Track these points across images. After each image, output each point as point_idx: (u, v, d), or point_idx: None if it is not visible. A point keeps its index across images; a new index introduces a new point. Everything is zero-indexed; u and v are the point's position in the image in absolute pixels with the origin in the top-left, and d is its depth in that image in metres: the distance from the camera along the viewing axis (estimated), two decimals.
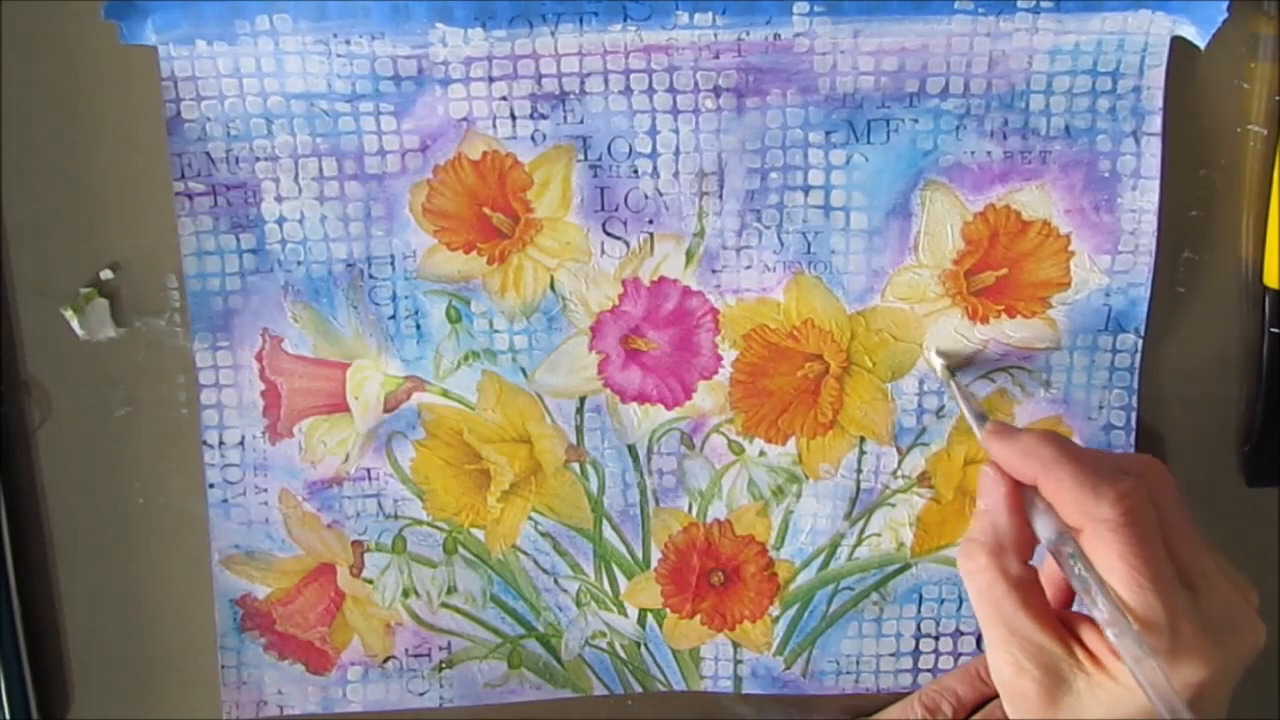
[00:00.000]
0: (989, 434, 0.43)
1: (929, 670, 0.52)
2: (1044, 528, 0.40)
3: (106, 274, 0.49)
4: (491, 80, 0.47)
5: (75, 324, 0.49)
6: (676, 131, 0.47)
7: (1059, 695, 0.39)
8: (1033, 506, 0.41)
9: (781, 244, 0.48)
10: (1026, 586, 0.40)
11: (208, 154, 0.47)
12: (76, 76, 0.47)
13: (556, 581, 0.52)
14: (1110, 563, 0.38)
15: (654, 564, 0.52)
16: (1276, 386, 0.50)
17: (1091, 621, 0.39)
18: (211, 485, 0.51)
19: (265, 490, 0.51)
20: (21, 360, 0.50)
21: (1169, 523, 0.39)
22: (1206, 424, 0.51)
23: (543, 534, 0.52)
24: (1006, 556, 0.40)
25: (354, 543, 0.52)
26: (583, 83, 0.47)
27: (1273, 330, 0.49)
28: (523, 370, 0.50)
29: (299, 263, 0.49)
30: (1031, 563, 0.41)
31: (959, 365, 0.49)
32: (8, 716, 0.51)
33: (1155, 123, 0.47)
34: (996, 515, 0.41)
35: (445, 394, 0.50)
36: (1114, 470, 0.39)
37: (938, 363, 0.49)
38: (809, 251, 0.49)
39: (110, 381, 0.50)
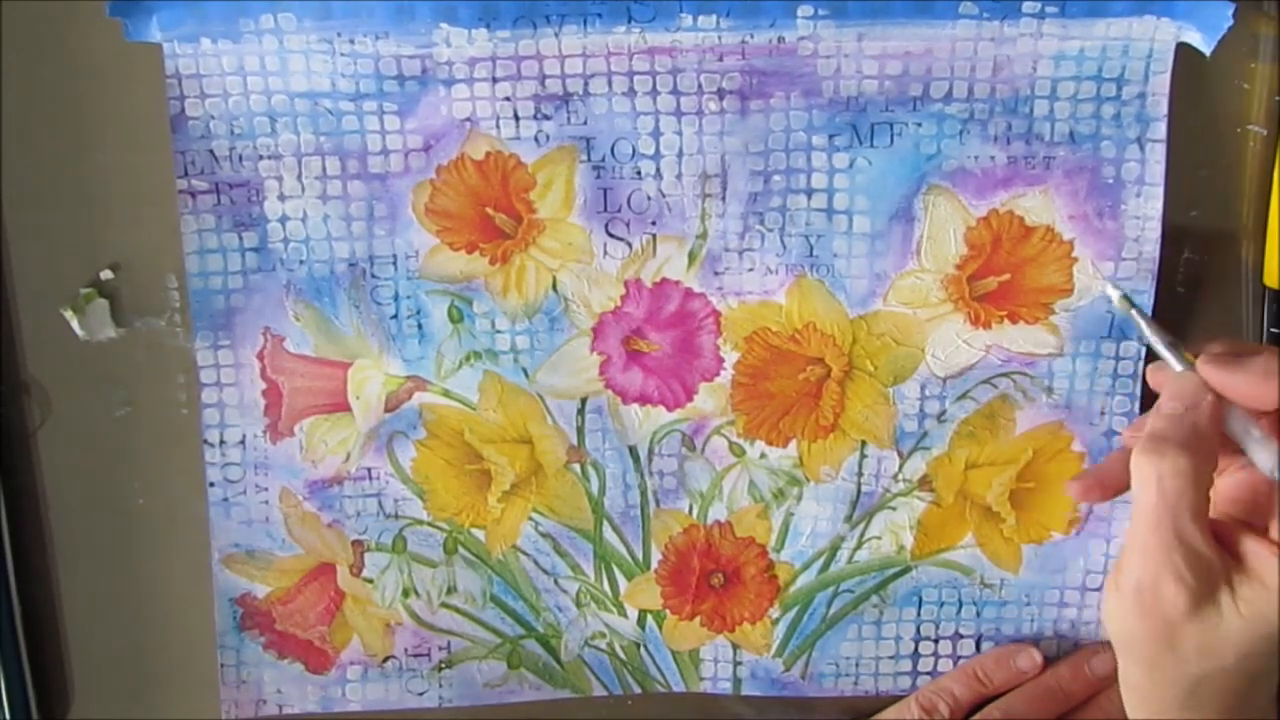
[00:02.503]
0: (1207, 364, 0.41)
1: (928, 673, 0.53)
2: (1265, 457, 0.39)
3: (106, 274, 0.49)
4: (495, 81, 0.47)
5: (75, 324, 0.49)
6: (680, 133, 0.47)
7: (1204, 606, 0.38)
8: (1247, 433, 0.40)
9: (784, 247, 0.48)
10: (1205, 496, 0.39)
11: (211, 152, 0.47)
12: (79, 74, 0.47)
13: (556, 582, 0.52)
14: None
15: (654, 565, 0.52)
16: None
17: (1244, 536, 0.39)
18: (212, 484, 0.50)
19: (266, 489, 0.51)
20: (21, 360, 0.50)
21: None
22: None
23: (543, 534, 0.52)
24: (1204, 462, 0.39)
25: (354, 542, 0.52)
26: (586, 84, 0.47)
27: (1273, 330, 0.49)
28: (524, 371, 0.50)
29: (301, 262, 0.49)
30: None
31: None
32: (8, 716, 0.51)
33: (1160, 129, 0.47)
34: (1199, 416, 0.40)
35: (446, 394, 0.50)
36: None
37: (1115, 293, 0.47)
38: (811, 255, 0.49)
39: (110, 381, 0.50)
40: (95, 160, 0.48)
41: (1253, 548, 0.39)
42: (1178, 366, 0.42)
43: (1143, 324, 0.45)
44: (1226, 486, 0.42)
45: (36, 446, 0.50)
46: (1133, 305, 0.46)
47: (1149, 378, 0.44)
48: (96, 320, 0.49)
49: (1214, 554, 0.39)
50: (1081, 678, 0.51)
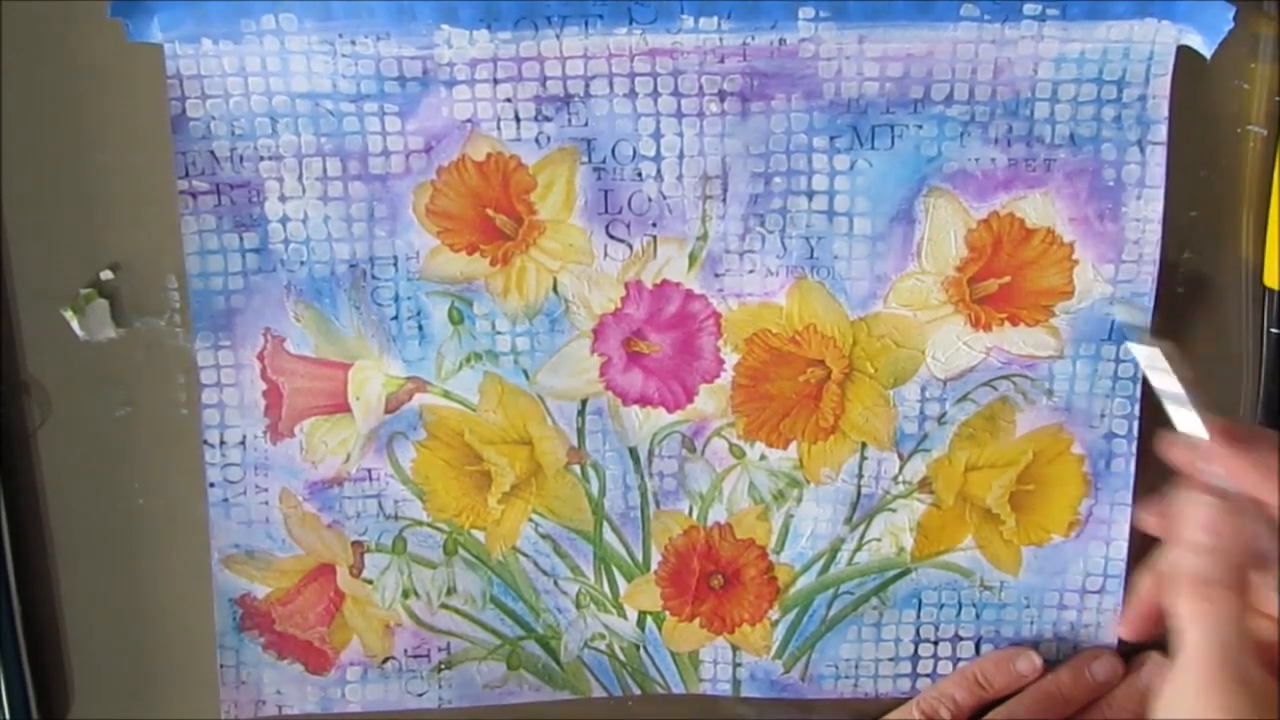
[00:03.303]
0: (1211, 450, 0.39)
1: (928, 675, 0.53)
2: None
3: (106, 274, 0.49)
4: (496, 82, 0.47)
5: (75, 324, 0.49)
6: (680, 135, 0.47)
7: None
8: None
9: (784, 249, 0.48)
10: (1249, 629, 0.38)
11: (212, 153, 0.47)
12: (79, 74, 0.47)
13: (556, 583, 0.52)
14: None
15: (654, 566, 0.52)
16: (1276, 386, 0.50)
17: None
18: (212, 484, 0.50)
19: (266, 490, 0.51)
20: (21, 360, 0.49)
21: None
22: None
23: (543, 536, 0.52)
24: (1247, 600, 0.38)
25: (354, 543, 0.52)
26: (587, 85, 0.47)
27: (1273, 330, 0.49)
28: (524, 372, 0.50)
29: (302, 262, 0.49)
30: None
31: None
32: (8, 716, 0.51)
33: (1160, 132, 0.47)
34: (1234, 552, 0.38)
35: (447, 395, 0.50)
36: None
37: (1143, 354, 0.46)
38: (812, 256, 0.49)
39: (110, 381, 0.50)
40: (95, 160, 0.48)
41: None
42: (1195, 430, 0.41)
43: (1167, 387, 0.43)
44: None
45: (36, 446, 0.50)
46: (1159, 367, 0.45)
47: (1169, 452, 0.42)
48: (96, 320, 0.49)
49: (1273, 681, 0.38)
50: (1082, 682, 0.51)
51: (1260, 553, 0.38)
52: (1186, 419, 0.42)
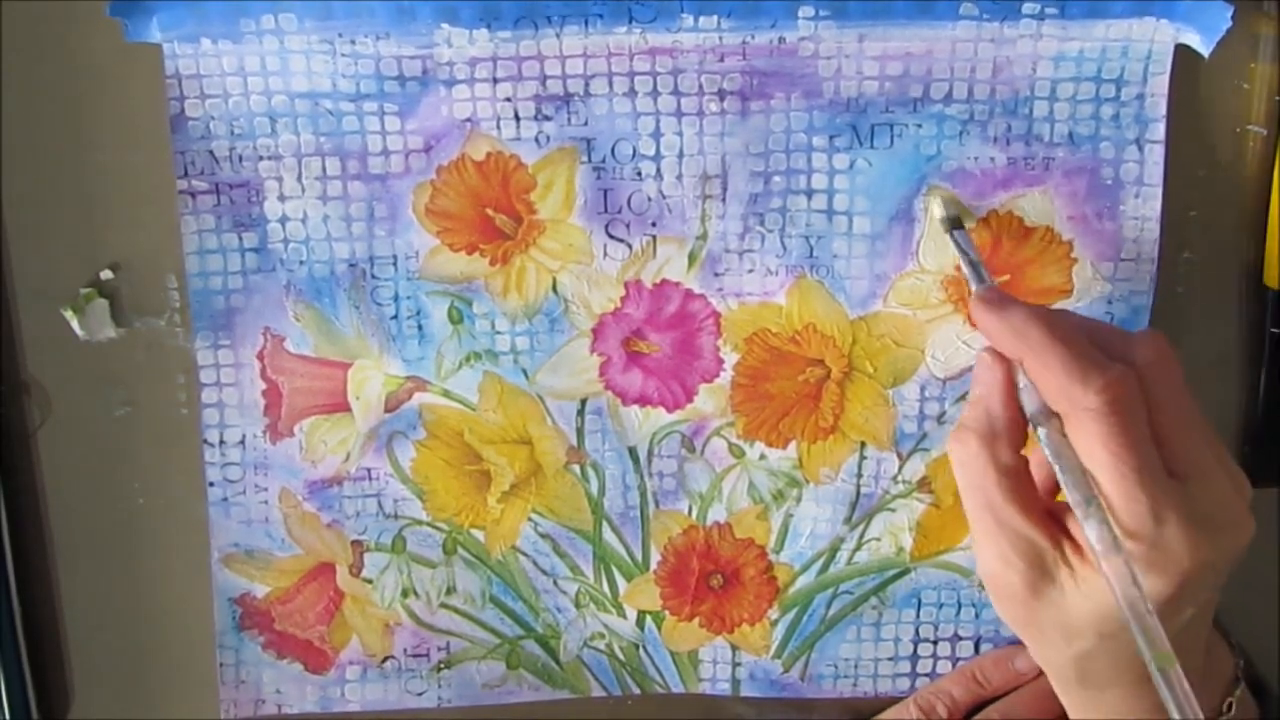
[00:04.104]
0: (978, 300, 0.41)
1: (927, 675, 0.53)
2: (1027, 404, 0.39)
3: (106, 274, 0.49)
4: (496, 81, 0.47)
5: (75, 324, 0.49)
6: (680, 134, 0.47)
7: (1043, 588, 0.38)
8: (1020, 383, 0.40)
9: (784, 248, 0.49)
10: (1016, 476, 0.39)
11: (211, 152, 0.47)
12: (79, 74, 0.47)
13: (555, 583, 0.52)
14: (1092, 450, 0.37)
15: (653, 566, 0.52)
16: (1276, 386, 0.50)
17: None
18: (212, 484, 0.50)
19: (265, 489, 0.51)
20: (21, 360, 0.49)
21: (1164, 410, 0.38)
22: None
23: (542, 535, 0.52)
24: (998, 444, 0.39)
25: (353, 542, 0.52)
26: (587, 85, 0.47)
27: (1273, 330, 0.49)
28: (524, 372, 0.50)
29: (301, 262, 0.49)
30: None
31: (956, 219, 0.47)
32: (8, 716, 0.51)
33: (1159, 130, 0.47)
34: (990, 400, 0.40)
35: (446, 394, 0.50)
36: (1104, 354, 0.38)
37: (938, 213, 0.47)
38: (811, 256, 0.49)
39: (110, 381, 0.50)
40: (95, 160, 0.48)
41: (1078, 530, 0.38)
42: (975, 286, 0.43)
43: (961, 251, 0.45)
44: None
45: (36, 446, 0.50)
46: (953, 229, 0.46)
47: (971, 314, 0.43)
48: (96, 320, 0.49)
49: (1040, 533, 0.38)
50: None
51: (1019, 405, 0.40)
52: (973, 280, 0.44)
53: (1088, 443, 0.37)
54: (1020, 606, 0.39)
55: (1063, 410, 0.38)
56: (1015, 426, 0.40)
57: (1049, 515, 0.39)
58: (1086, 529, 0.37)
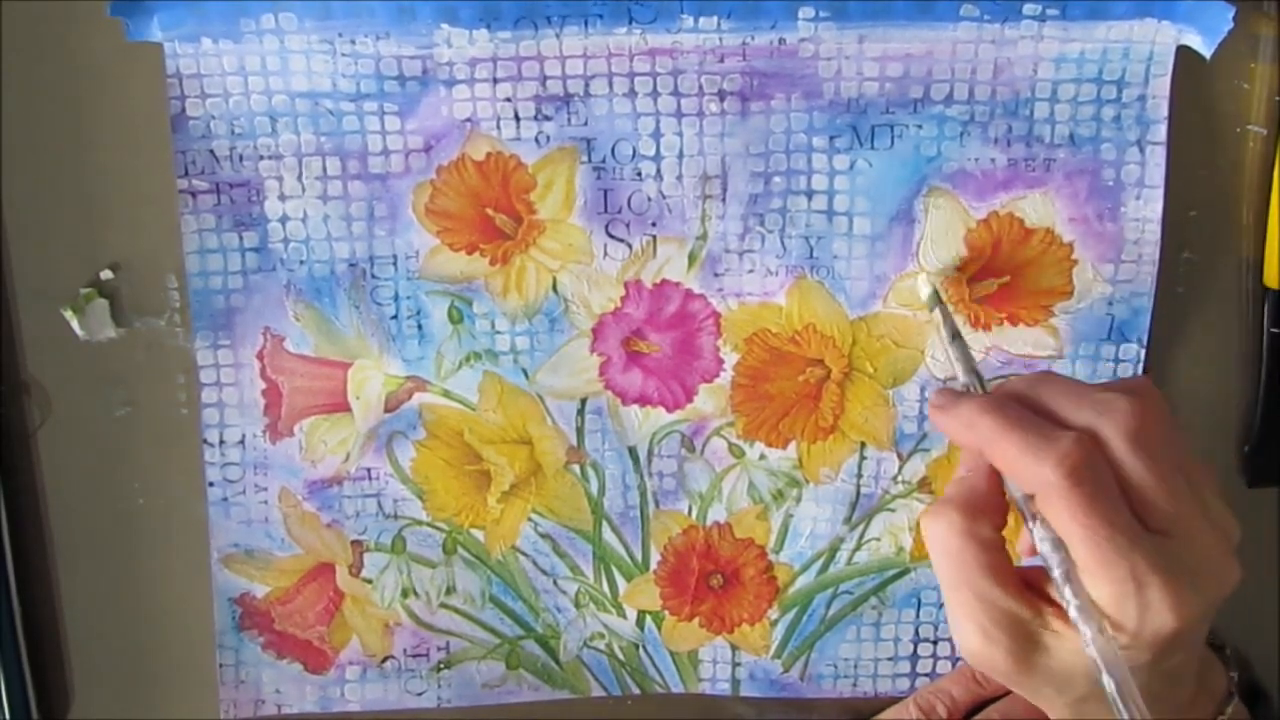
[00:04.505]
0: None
1: (927, 674, 0.53)
2: (1011, 490, 0.39)
3: (106, 274, 0.49)
4: (496, 81, 0.47)
5: (75, 324, 0.49)
6: (680, 135, 0.47)
7: (1030, 656, 0.38)
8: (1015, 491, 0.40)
9: (784, 248, 0.48)
10: (995, 551, 0.39)
11: (211, 152, 0.47)
12: (79, 74, 0.47)
13: (555, 583, 0.52)
14: (1064, 525, 0.37)
15: (653, 566, 0.52)
16: (1276, 386, 0.50)
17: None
18: (211, 484, 0.50)
19: (265, 489, 0.51)
20: (21, 360, 0.49)
21: (1138, 464, 0.38)
22: (1206, 424, 0.51)
23: (542, 535, 0.52)
24: (979, 519, 0.39)
25: (353, 542, 0.52)
26: (587, 85, 0.47)
27: (1273, 330, 0.49)
28: (524, 371, 0.50)
29: (301, 262, 0.49)
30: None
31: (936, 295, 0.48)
32: (8, 716, 0.51)
33: (1160, 132, 0.47)
34: (975, 478, 0.40)
35: (446, 394, 0.50)
36: (1080, 415, 0.38)
37: (925, 290, 0.47)
38: (811, 256, 0.49)
39: (110, 381, 0.50)
40: (95, 160, 0.48)
41: (1055, 591, 0.38)
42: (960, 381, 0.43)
43: (947, 336, 0.45)
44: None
45: (36, 446, 0.50)
46: (940, 302, 0.46)
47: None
48: (96, 320, 0.49)
49: (1020, 604, 0.38)
50: None
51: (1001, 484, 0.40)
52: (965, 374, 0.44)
53: (1057, 518, 0.37)
54: (1006, 676, 0.39)
55: (1030, 490, 0.38)
56: (996, 503, 0.40)
57: (1025, 584, 0.39)
58: (1069, 611, 0.37)
